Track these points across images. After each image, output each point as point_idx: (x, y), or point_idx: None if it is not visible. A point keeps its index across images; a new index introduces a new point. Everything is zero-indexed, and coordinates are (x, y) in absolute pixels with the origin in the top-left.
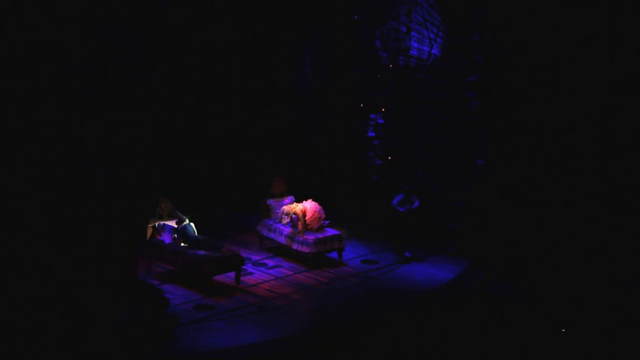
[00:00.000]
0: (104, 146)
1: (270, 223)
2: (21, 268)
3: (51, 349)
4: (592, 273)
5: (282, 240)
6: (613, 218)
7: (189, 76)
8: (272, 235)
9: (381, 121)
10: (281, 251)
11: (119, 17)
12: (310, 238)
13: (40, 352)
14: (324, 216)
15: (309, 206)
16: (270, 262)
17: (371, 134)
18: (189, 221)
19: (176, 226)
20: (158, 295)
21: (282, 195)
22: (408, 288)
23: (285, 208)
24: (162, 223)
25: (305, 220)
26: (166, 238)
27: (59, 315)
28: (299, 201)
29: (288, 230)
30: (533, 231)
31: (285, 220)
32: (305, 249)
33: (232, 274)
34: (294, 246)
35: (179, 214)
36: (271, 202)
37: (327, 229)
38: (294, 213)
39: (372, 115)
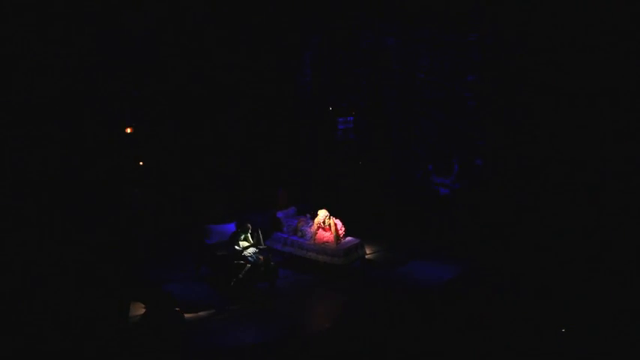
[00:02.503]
0: (105, 147)
1: (285, 236)
2: (24, 268)
3: (58, 348)
4: (591, 273)
5: (303, 254)
6: (612, 218)
7: (186, 79)
8: (288, 249)
9: (350, 125)
10: (297, 264)
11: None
12: (340, 247)
13: (46, 352)
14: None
15: (336, 221)
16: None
17: (340, 138)
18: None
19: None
20: (165, 295)
21: (287, 206)
22: (408, 287)
23: (320, 219)
24: (209, 225)
25: (337, 233)
26: (211, 241)
27: (65, 314)
28: (300, 211)
29: (310, 243)
30: (533, 231)
31: (308, 231)
32: (336, 261)
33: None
34: (323, 259)
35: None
36: (280, 214)
37: (348, 237)
38: (329, 224)
39: (340, 119)
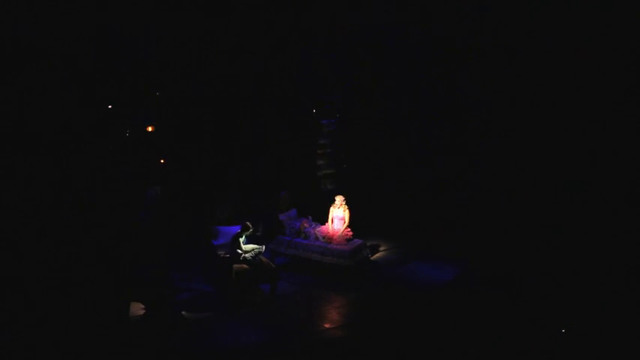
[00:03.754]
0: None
1: (288, 239)
2: (24, 268)
3: (57, 345)
4: (589, 273)
5: (307, 255)
6: (609, 217)
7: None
8: (292, 251)
9: (334, 127)
10: (301, 266)
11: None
12: (346, 249)
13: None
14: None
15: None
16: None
17: (323, 141)
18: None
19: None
20: (165, 295)
21: (289, 208)
22: (409, 287)
23: (337, 203)
24: (216, 227)
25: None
26: (218, 242)
27: (66, 314)
28: (302, 213)
29: (317, 243)
30: (531, 231)
31: (312, 232)
32: (342, 262)
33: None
34: (329, 260)
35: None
36: (283, 217)
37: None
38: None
39: (324, 121)
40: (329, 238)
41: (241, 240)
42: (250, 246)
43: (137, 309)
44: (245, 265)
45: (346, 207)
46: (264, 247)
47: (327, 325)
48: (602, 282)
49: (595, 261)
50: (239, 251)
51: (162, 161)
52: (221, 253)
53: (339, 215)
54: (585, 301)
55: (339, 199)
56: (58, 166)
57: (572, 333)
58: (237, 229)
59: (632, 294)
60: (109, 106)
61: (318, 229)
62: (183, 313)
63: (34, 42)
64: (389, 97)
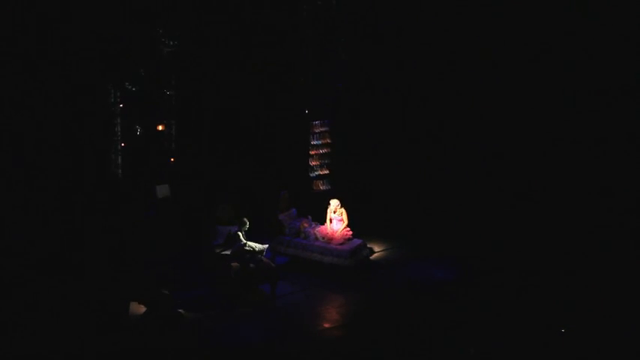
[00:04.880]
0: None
1: (288, 239)
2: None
3: (57, 345)
4: (589, 272)
5: (307, 255)
6: (609, 216)
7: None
8: (292, 251)
9: (326, 128)
10: (300, 266)
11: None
12: (345, 248)
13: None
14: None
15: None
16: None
17: (316, 142)
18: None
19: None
20: (165, 295)
21: (289, 208)
22: (408, 287)
23: (332, 207)
24: (216, 226)
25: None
26: (218, 241)
27: (66, 314)
28: (301, 213)
29: (317, 243)
30: (530, 231)
31: (311, 232)
32: (342, 262)
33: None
34: (328, 260)
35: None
36: (283, 217)
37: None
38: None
39: (315, 122)
40: (328, 238)
41: (241, 235)
42: (254, 244)
43: (137, 309)
44: (244, 265)
45: (342, 210)
46: (266, 246)
47: (327, 325)
48: (602, 281)
49: (595, 260)
50: (242, 243)
51: (172, 160)
52: (219, 251)
53: (337, 217)
54: (585, 301)
55: (334, 203)
56: (65, 164)
57: (572, 333)
58: (237, 228)
59: (631, 293)
60: (120, 105)
61: (317, 228)
62: (183, 313)
63: (41, 39)
64: (384, 95)
